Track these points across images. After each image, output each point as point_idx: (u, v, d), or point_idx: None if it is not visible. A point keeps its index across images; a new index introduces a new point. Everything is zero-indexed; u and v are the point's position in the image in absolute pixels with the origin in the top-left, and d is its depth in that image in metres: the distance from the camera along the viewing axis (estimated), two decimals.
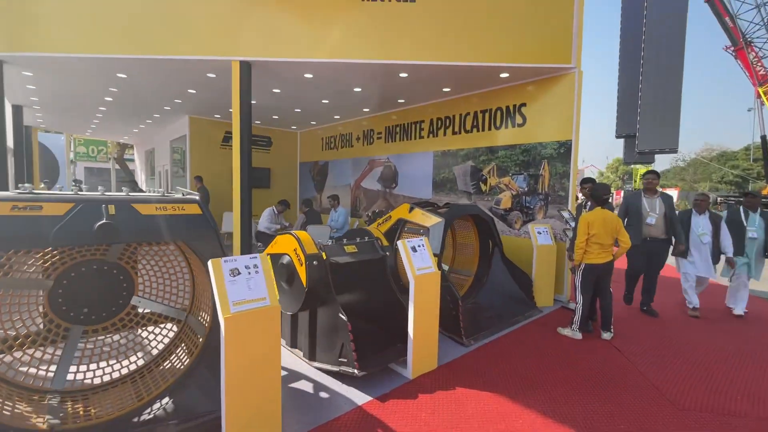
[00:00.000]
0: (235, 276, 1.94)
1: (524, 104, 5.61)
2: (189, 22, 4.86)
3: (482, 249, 5.00)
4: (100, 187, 2.06)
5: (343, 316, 2.68)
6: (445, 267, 5.27)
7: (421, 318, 2.87)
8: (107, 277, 2.57)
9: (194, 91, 6.60)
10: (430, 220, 4.19)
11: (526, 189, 5.61)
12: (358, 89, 6.23)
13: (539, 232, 5.03)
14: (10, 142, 8.30)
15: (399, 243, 2.88)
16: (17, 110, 8.28)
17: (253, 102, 7.23)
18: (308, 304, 2.92)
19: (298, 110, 8.00)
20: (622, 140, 17.76)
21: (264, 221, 6.92)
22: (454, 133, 6.60)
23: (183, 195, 2.38)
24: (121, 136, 13.48)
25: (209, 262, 1.93)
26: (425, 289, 2.87)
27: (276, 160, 10.50)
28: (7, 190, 8.32)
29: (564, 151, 5.16)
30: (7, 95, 7.29)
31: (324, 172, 9.89)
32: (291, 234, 3.06)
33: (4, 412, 2.05)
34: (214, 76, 5.64)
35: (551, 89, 5.31)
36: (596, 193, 3.96)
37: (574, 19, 4.89)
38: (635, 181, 39.74)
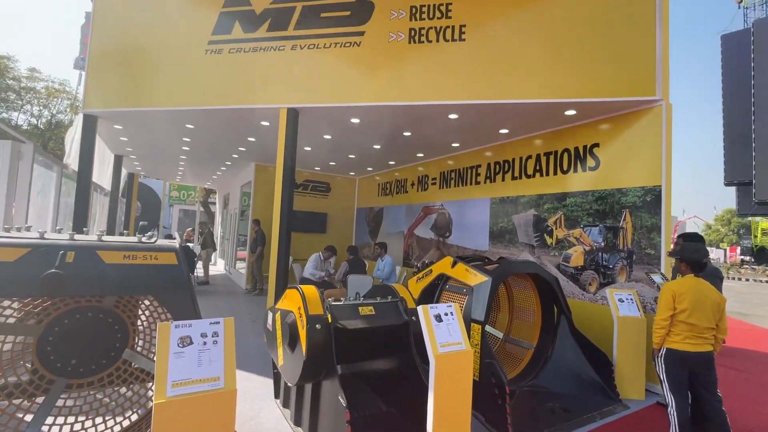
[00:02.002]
0: (184, 347, 1.56)
1: (597, 145, 4.81)
2: (242, 74, 5.11)
3: (545, 316, 4.10)
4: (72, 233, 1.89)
5: (342, 401, 2.13)
6: (499, 333, 4.43)
7: (444, 411, 2.19)
8: (101, 327, 2.38)
9: (253, 139, 6.93)
10: (475, 277, 3.52)
11: (602, 244, 4.64)
12: (407, 133, 5.97)
13: (621, 300, 4.00)
14: (106, 184, 9.50)
15: (419, 309, 2.31)
16: (118, 159, 9.53)
17: (308, 148, 7.40)
18: (308, 376, 2.42)
19: (352, 156, 8.00)
20: (733, 188, 15.07)
21: (309, 267, 6.72)
22: (513, 178, 5.92)
23: (171, 241, 2.14)
24: (205, 181, 14.93)
25: (158, 326, 1.58)
26: (451, 374, 2.21)
27: (334, 206, 10.59)
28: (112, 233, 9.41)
29: (652, 199, 4.19)
30: (109, 146, 8.42)
31: (379, 218, 9.65)
32: (297, 289, 2.67)
33: None
34: (267, 123, 5.82)
35: (631, 126, 4.48)
36: (686, 254, 2.85)
37: (657, 44, 4.15)
38: (755, 237, 33.37)
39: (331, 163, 9.01)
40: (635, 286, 4.27)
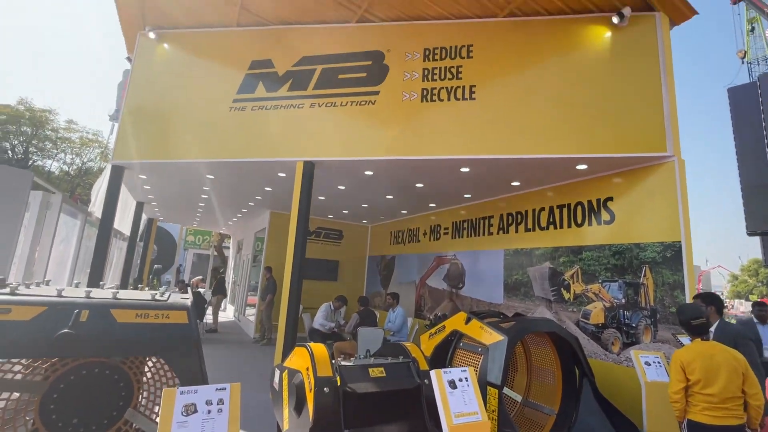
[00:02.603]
0: (188, 415, 1.50)
1: (611, 198, 4.79)
2: (262, 129, 5.38)
3: (566, 378, 3.86)
4: (89, 289, 1.92)
5: None
6: (517, 396, 4.16)
7: None
8: (106, 384, 2.32)
9: (270, 189, 7.14)
10: (490, 336, 3.38)
11: (623, 301, 4.46)
12: (420, 185, 6.08)
13: (648, 363, 3.76)
14: (126, 229, 9.76)
15: (432, 374, 2.20)
16: (139, 205, 9.88)
17: (321, 198, 7.56)
18: None
19: (365, 205, 8.12)
20: (757, 237, 14.61)
21: (319, 317, 6.60)
22: (527, 229, 5.87)
23: (184, 297, 2.14)
24: (221, 227, 15.24)
25: (163, 392, 1.54)
26: None
27: (346, 253, 10.58)
28: (127, 277, 9.43)
29: (672, 254, 4.08)
30: (132, 194, 8.77)
31: (390, 266, 9.57)
32: (306, 347, 2.60)
33: None
34: (284, 175, 6.02)
35: (645, 181, 4.48)
36: (683, 318, 2.65)
37: (664, 101, 4.25)
38: None
39: (344, 211, 9.14)
40: (662, 348, 4.03)
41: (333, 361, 2.49)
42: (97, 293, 1.94)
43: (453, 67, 4.99)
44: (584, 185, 5.14)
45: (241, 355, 7.39)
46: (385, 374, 2.58)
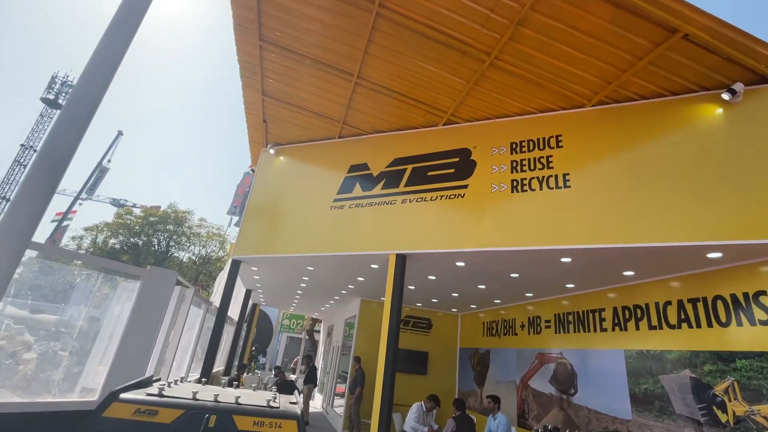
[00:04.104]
0: None
1: (763, 292, 3.94)
2: (358, 225, 5.82)
3: None
4: (215, 389, 2.10)
5: None
6: None
7: None
8: None
9: (363, 279, 7.42)
10: None
11: None
12: (514, 275, 5.77)
13: None
14: (234, 314, 10.74)
15: None
16: (248, 292, 10.98)
17: (411, 287, 7.57)
18: None
19: (455, 294, 7.87)
20: None
21: (410, 420, 6.12)
22: (651, 327, 5.01)
23: (294, 407, 2.22)
24: (313, 312, 15.94)
25: None
26: None
27: (435, 344, 10.06)
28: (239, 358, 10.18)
29: None
30: (243, 282, 9.85)
31: (485, 361, 8.75)
32: None
33: None
34: (377, 266, 6.26)
35: None
36: None
37: None
38: None
39: (433, 300, 8.95)
40: None
41: None
42: (223, 396, 2.11)
43: (542, 157, 5.00)
44: (722, 276, 4.35)
45: None
46: None
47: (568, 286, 6.09)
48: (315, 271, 7.26)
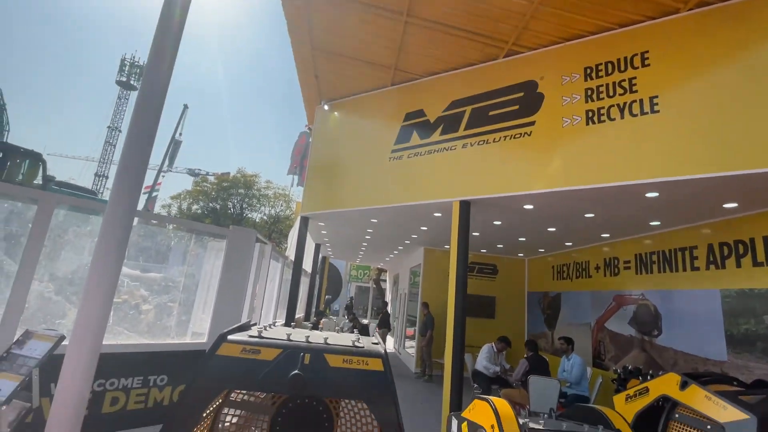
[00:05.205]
0: None
1: None
2: (418, 174, 5.73)
3: None
4: (304, 331, 2.30)
5: None
6: None
7: None
8: (314, 415, 2.73)
9: (426, 228, 7.46)
10: (725, 411, 2.61)
11: None
12: (589, 215, 5.39)
13: None
14: (307, 267, 11.56)
15: None
16: (317, 247, 11.68)
17: (476, 234, 7.46)
18: None
19: (523, 239, 7.63)
20: None
21: (482, 359, 6.33)
22: (756, 263, 4.46)
23: (377, 346, 2.36)
24: (379, 262, 16.62)
25: None
26: None
27: (501, 289, 10.03)
28: (312, 305, 11.19)
29: None
30: (312, 238, 10.45)
31: (556, 305, 8.57)
32: (488, 402, 2.49)
33: None
34: (440, 215, 6.22)
35: None
36: None
37: None
38: None
39: (498, 246, 8.79)
40: None
41: (520, 421, 2.31)
42: (313, 337, 2.31)
43: (624, 80, 4.39)
44: None
45: (408, 391, 7.62)
46: None
47: (653, 223, 5.57)
48: (378, 224, 7.43)
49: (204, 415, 2.31)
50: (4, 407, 1.60)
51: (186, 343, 4.25)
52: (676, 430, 2.94)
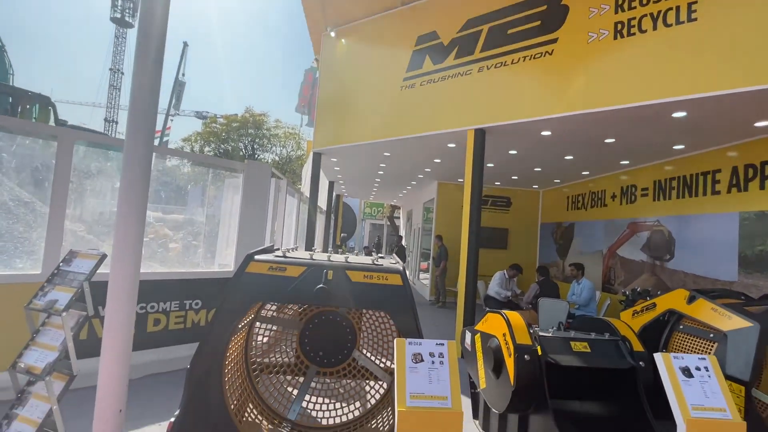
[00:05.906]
0: (417, 363, 1.77)
1: None
2: (431, 103, 5.52)
3: None
4: (326, 254, 2.42)
5: None
6: (764, 396, 3.27)
7: None
8: (338, 328, 2.96)
9: (439, 160, 7.36)
10: (730, 320, 2.72)
11: None
12: (610, 140, 5.20)
13: None
14: (322, 204, 11.77)
15: (659, 357, 1.94)
16: (331, 184, 11.76)
17: (490, 165, 7.34)
18: (516, 406, 2.36)
19: (538, 169, 7.50)
20: None
21: (494, 285, 6.60)
22: None
23: (396, 264, 2.49)
24: (392, 199, 16.76)
25: (395, 341, 1.85)
26: None
27: (515, 221, 10.11)
28: (329, 239, 11.59)
29: None
30: (326, 175, 10.48)
31: (568, 234, 8.66)
32: (501, 315, 2.65)
33: (255, 420, 2.61)
34: (454, 145, 6.09)
35: None
36: None
37: None
38: None
39: (513, 177, 8.68)
40: None
41: (531, 330, 2.48)
42: (334, 258, 2.43)
43: None
44: None
45: (422, 315, 8.08)
46: (589, 350, 2.42)
47: (677, 147, 5.36)
48: (391, 157, 7.35)
49: (240, 326, 2.54)
50: (64, 314, 1.79)
51: (215, 271, 4.53)
52: (680, 339, 3.10)
